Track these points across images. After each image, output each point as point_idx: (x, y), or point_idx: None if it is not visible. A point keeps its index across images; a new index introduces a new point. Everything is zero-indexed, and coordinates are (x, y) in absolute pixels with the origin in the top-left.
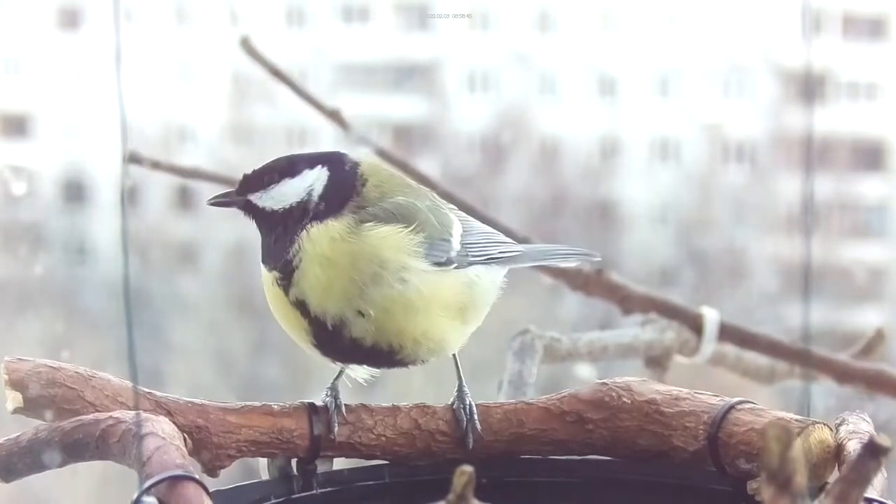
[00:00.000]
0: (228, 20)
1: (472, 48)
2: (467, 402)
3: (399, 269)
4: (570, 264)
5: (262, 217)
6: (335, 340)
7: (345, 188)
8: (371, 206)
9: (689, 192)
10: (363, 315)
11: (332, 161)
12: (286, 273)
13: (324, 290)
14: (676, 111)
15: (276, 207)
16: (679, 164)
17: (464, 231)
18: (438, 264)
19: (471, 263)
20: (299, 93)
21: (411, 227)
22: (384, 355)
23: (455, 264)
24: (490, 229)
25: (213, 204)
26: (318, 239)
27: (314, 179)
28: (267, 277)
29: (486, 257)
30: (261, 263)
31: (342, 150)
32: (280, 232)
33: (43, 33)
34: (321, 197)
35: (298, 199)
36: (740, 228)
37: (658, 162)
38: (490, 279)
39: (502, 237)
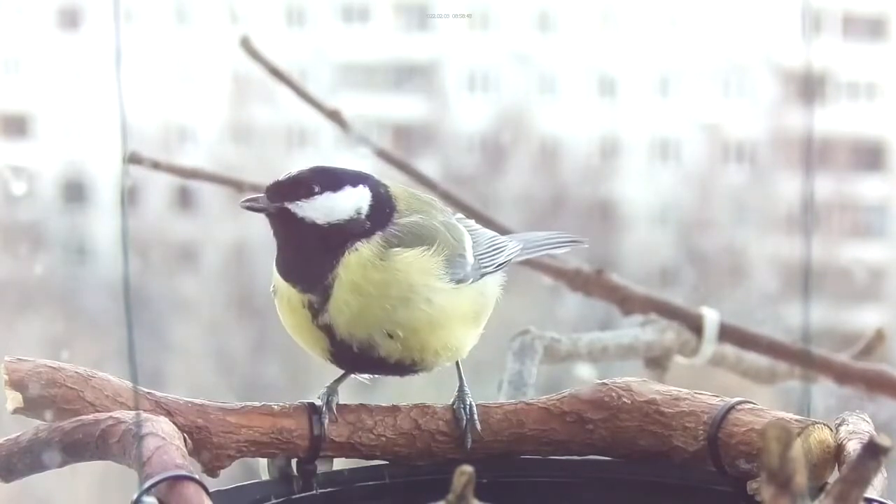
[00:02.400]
0: (228, 20)
1: (472, 48)
2: (468, 403)
3: (426, 290)
4: (562, 251)
5: (298, 228)
6: (358, 359)
7: (384, 212)
8: (396, 229)
9: (689, 192)
10: (391, 337)
11: (370, 182)
12: (323, 298)
13: (353, 317)
14: (676, 111)
15: (320, 221)
16: (679, 164)
17: (474, 242)
18: (458, 281)
19: (483, 275)
20: (299, 93)
21: (434, 249)
22: (405, 368)
23: (471, 279)
24: (492, 234)
25: (245, 207)
26: (352, 265)
27: (359, 198)
28: (291, 295)
29: (495, 266)
30: (278, 276)
31: (369, 173)
32: (318, 249)
33: (43, 33)
34: (367, 218)
35: (348, 217)
36: (740, 228)
37: (658, 162)
38: (496, 283)
39: (501, 239)
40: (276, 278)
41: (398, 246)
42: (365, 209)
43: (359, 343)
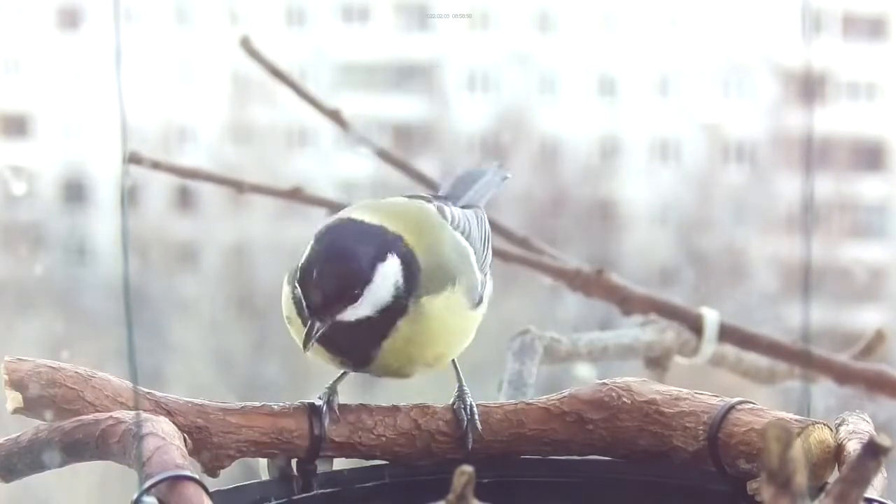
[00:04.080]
0: (228, 20)
1: (472, 48)
2: (468, 403)
3: (458, 326)
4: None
5: (350, 326)
6: (371, 373)
7: (414, 276)
8: (423, 283)
9: (689, 192)
10: (421, 365)
11: (391, 245)
12: (363, 364)
13: (387, 366)
14: (676, 111)
15: (370, 313)
16: (679, 164)
17: (474, 251)
18: (476, 305)
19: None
20: (299, 93)
21: (456, 286)
22: (411, 373)
23: (482, 299)
24: (474, 227)
25: (307, 348)
26: (396, 340)
27: (394, 274)
28: (322, 354)
29: (489, 267)
30: (294, 309)
31: (381, 230)
32: (367, 333)
33: (43, 33)
34: (405, 290)
35: (391, 299)
36: (740, 228)
37: (658, 162)
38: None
39: (474, 219)
40: (292, 309)
41: (425, 295)
42: (401, 283)
43: (379, 372)
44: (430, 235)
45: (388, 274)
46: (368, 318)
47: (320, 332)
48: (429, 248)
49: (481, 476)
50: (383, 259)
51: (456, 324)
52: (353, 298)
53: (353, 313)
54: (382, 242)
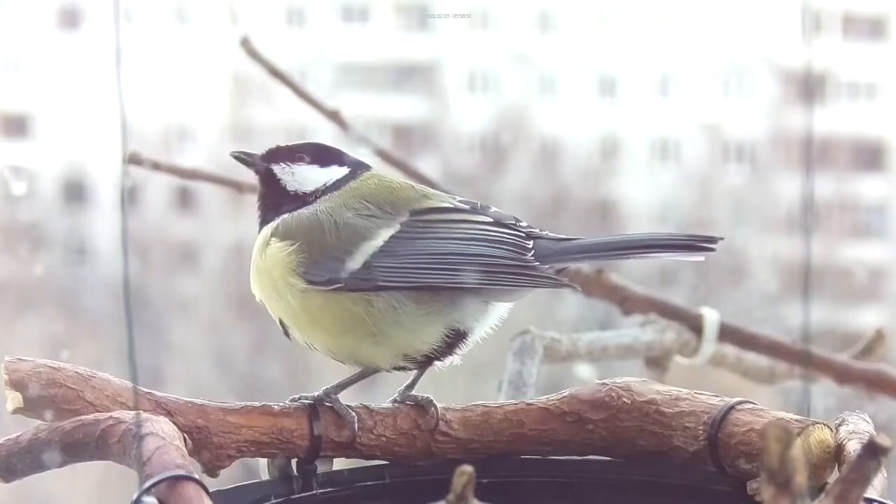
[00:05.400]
0: (228, 20)
1: (472, 48)
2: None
3: (285, 285)
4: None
5: (274, 189)
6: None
7: (321, 193)
8: (291, 217)
9: (689, 192)
10: (282, 323)
11: (360, 167)
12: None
13: (262, 297)
14: (676, 111)
15: (290, 187)
16: (679, 164)
17: (384, 251)
18: (315, 283)
19: (379, 287)
20: (299, 93)
21: (297, 245)
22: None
23: (340, 284)
24: (461, 249)
25: (234, 157)
26: (258, 241)
27: (333, 177)
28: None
29: (408, 282)
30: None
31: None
32: (269, 212)
33: (43, 33)
34: (313, 195)
35: (311, 190)
36: (740, 228)
37: (658, 162)
38: (409, 305)
39: (461, 252)
40: None
41: (276, 236)
42: (324, 187)
43: (276, 320)
44: (373, 195)
45: (332, 175)
46: (285, 196)
47: (254, 163)
48: (356, 198)
49: (481, 476)
50: (341, 165)
51: (283, 281)
52: (297, 161)
53: (284, 172)
54: (358, 164)
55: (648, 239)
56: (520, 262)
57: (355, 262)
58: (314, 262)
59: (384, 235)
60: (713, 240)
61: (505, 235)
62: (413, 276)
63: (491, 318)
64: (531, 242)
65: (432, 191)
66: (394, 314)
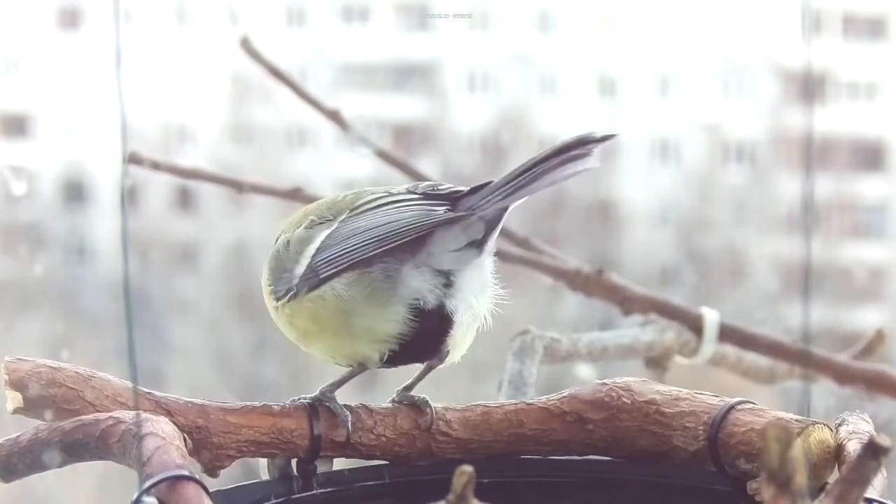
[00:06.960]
0: (228, 20)
1: (472, 48)
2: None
3: (271, 310)
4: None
5: None
6: None
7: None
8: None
9: (689, 192)
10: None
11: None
12: None
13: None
14: (676, 111)
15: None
16: (679, 164)
17: (321, 248)
18: (279, 298)
19: (322, 279)
20: (299, 93)
21: (266, 272)
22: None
23: (293, 292)
24: (373, 223)
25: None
26: None
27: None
28: None
29: (338, 265)
30: None
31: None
32: None
33: (43, 33)
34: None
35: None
36: (740, 228)
37: (658, 162)
38: (351, 288)
39: (393, 223)
40: None
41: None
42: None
43: None
44: (313, 213)
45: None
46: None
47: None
48: (290, 227)
49: (481, 476)
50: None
51: (271, 307)
52: None
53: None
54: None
55: (544, 153)
56: (421, 215)
57: (301, 267)
58: (277, 280)
59: (322, 236)
60: (606, 138)
61: (414, 203)
62: (341, 259)
63: (464, 292)
64: (449, 201)
65: (381, 189)
66: (343, 302)
